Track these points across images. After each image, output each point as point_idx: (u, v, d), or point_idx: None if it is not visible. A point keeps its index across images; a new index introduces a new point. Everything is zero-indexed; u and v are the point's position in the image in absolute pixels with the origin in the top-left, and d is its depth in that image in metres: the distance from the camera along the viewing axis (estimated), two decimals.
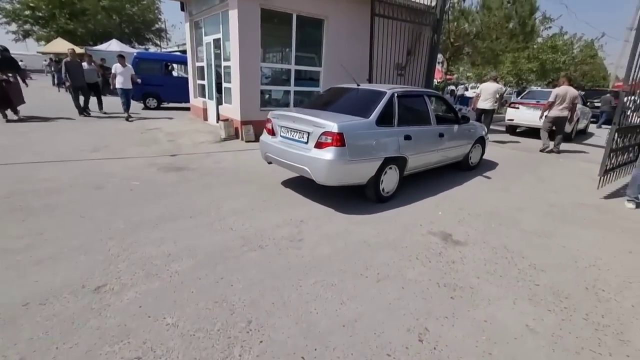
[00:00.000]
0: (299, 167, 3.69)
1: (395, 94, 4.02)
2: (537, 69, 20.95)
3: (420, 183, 4.81)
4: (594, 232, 3.52)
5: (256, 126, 7.12)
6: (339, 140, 3.39)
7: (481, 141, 5.73)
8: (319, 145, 3.48)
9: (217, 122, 7.98)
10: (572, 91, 7.20)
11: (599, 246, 3.22)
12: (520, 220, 3.72)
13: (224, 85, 8.16)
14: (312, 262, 2.61)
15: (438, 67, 22.46)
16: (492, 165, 6.18)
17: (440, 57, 19.31)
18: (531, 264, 2.80)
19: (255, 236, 2.98)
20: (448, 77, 22.12)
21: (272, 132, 4.13)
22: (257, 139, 6.07)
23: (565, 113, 7.26)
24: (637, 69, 4.31)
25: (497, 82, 8.81)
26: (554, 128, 7.61)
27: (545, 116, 7.55)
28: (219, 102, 8.56)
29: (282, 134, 3.99)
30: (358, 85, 4.44)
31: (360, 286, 2.35)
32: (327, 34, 8.01)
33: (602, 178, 4.78)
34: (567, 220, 3.82)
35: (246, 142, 6.99)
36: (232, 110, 7.59)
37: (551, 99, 7.30)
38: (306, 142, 3.63)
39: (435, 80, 21.26)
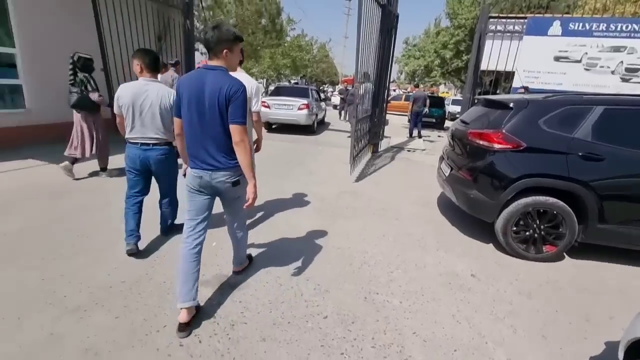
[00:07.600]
0: None
1: None
2: (290, 65, 23.90)
3: None
4: (356, 222, 3.77)
5: None
6: None
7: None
8: None
9: None
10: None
11: (363, 237, 3.41)
12: (298, 226, 3.53)
13: None
14: None
15: (203, 58, 21.51)
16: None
17: (202, 47, 18.42)
18: (314, 286, 2.51)
19: None
20: None
21: None
22: None
23: None
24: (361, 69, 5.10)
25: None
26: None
27: None
28: None
29: None
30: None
31: None
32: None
33: (352, 165, 5.48)
34: (336, 214, 3.97)
35: None
36: None
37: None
38: None
39: None
